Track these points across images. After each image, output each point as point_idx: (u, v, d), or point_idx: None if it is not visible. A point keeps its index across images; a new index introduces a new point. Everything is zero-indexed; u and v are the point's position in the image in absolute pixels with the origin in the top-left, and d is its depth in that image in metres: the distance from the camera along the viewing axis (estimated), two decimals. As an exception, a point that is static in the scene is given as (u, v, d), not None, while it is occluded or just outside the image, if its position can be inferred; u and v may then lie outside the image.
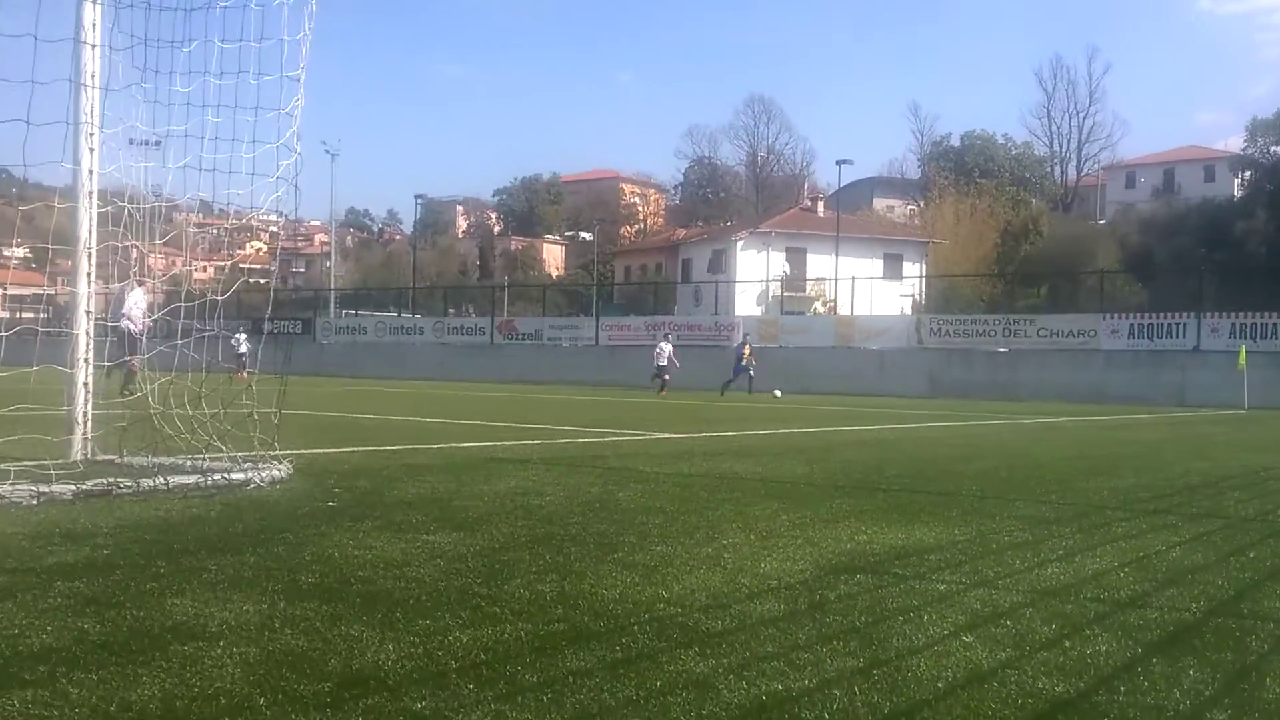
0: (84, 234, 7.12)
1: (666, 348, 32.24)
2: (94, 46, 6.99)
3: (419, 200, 74.41)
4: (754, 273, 61.85)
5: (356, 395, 25.36)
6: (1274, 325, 32.36)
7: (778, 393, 29.26)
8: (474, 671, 3.05)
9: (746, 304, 57.44)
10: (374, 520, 5.68)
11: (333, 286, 67.68)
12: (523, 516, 6.01)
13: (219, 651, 3.15)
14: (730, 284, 56.82)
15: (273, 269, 16.31)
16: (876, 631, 3.61)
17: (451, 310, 64.18)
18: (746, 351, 32.50)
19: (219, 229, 12.51)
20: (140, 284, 9.96)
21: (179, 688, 2.83)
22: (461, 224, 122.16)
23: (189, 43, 6.99)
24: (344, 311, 61.42)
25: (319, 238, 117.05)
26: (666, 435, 13.37)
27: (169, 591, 3.90)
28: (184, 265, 8.38)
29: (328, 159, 66.03)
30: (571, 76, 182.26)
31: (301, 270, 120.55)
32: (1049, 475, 9.23)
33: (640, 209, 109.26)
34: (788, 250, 66.02)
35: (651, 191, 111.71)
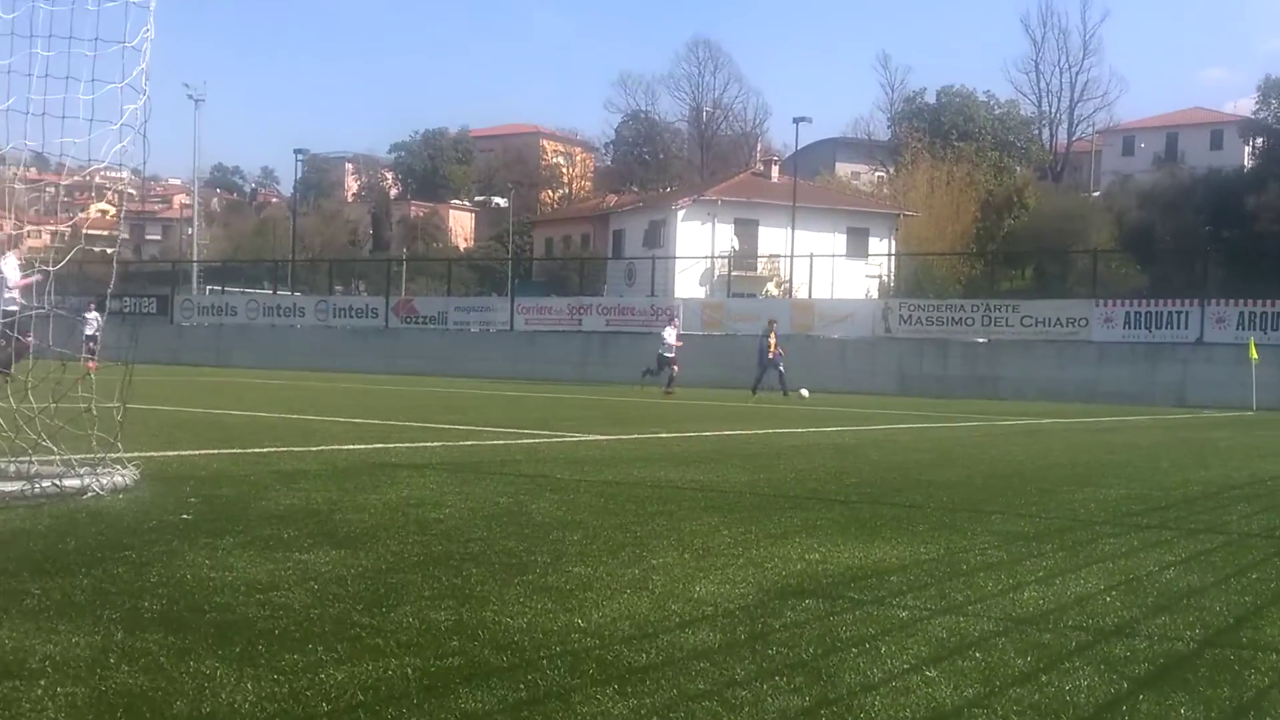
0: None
1: (671, 335, 30.94)
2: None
3: (300, 157, 73.50)
4: (697, 247, 62.03)
5: (222, 388, 25.02)
6: (1287, 315, 33.24)
7: (805, 392, 28.55)
8: (349, 715, 3.02)
9: (688, 284, 57.70)
10: (236, 536, 5.60)
11: (195, 258, 66.64)
12: (416, 531, 5.97)
13: (39, 693, 3.09)
14: (669, 260, 56.95)
15: (119, 235, 15.80)
16: (826, 665, 3.64)
17: (339, 288, 63.58)
18: (773, 341, 30.62)
19: (54, 186, 12.22)
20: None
21: (-12, 737, 2.76)
22: (351, 186, 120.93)
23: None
24: (209, 288, 60.45)
25: (179, 199, 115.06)
26: (592, 438, 13.37)
27: None
28: (14, 230, 8.18)
29: (190, 105, 64.77)
30: (482, 13, 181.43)
31: (157, 238, 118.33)
32: (1030, 485, 9.41)
33: (565, 171, 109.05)
34: (736, 222, 66.37)
35: (578, 150, 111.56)
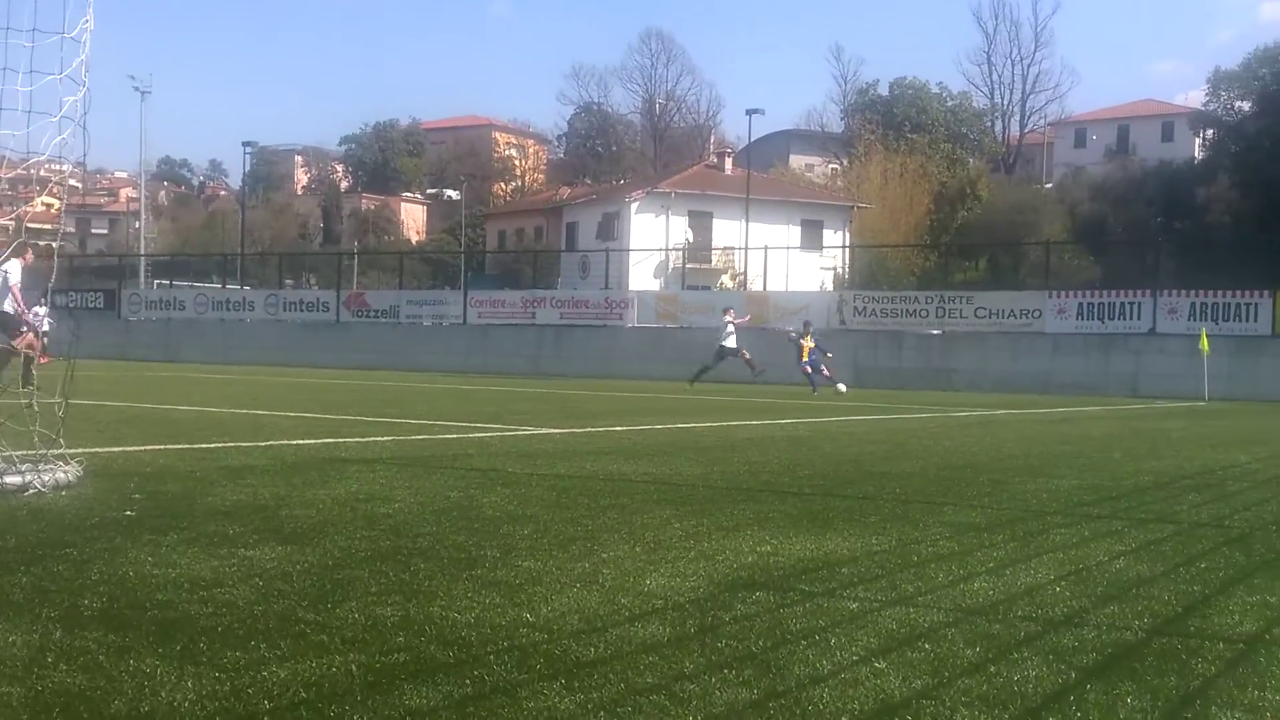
0: None
1: (731, 328, 29.68)
2: None
3: (248, 149, 72.71)
4: (651, 240, 62.10)
5: (169, 383, 24.75)
6: (1239, 305, 33.69)
7: (841, 387, 28.11)
8: (291, 713, 2.99)
9: (643, 277, 57.74)
10: (181, 533, 5.55)
11: (143, 252, 65.88)
12: (365, 527, 5.93)
13: (-27, 694, 3.03)
14: (624, 253, 56.96)
15: (62, 228, 15.50)
16: (775, 657, 3.64)
17: (289, 281, 63.08)
18: (807, 345, 29.14)
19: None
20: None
21: (-82, 740, 2.71)
22: (301, 178, 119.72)
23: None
24: (156, 282, 59.81)
25: (125, 193, 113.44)
26: (545, 431, 13.35)
27: None
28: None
29: (136, 97, 64.03)
30: (434, 4, 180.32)
31: (104, 232, 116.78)
32: (983, 476, 9.48)
33: (517, 163, 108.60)
34: (690, 214, 66.49)
35: (530, 143, 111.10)
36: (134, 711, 2.95)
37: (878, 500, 7.73)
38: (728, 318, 30.33)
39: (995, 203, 70.23)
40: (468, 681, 3.30)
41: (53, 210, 14.59)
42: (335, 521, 6.06)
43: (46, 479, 6.62)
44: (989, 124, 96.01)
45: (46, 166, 8.47)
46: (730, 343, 29.34)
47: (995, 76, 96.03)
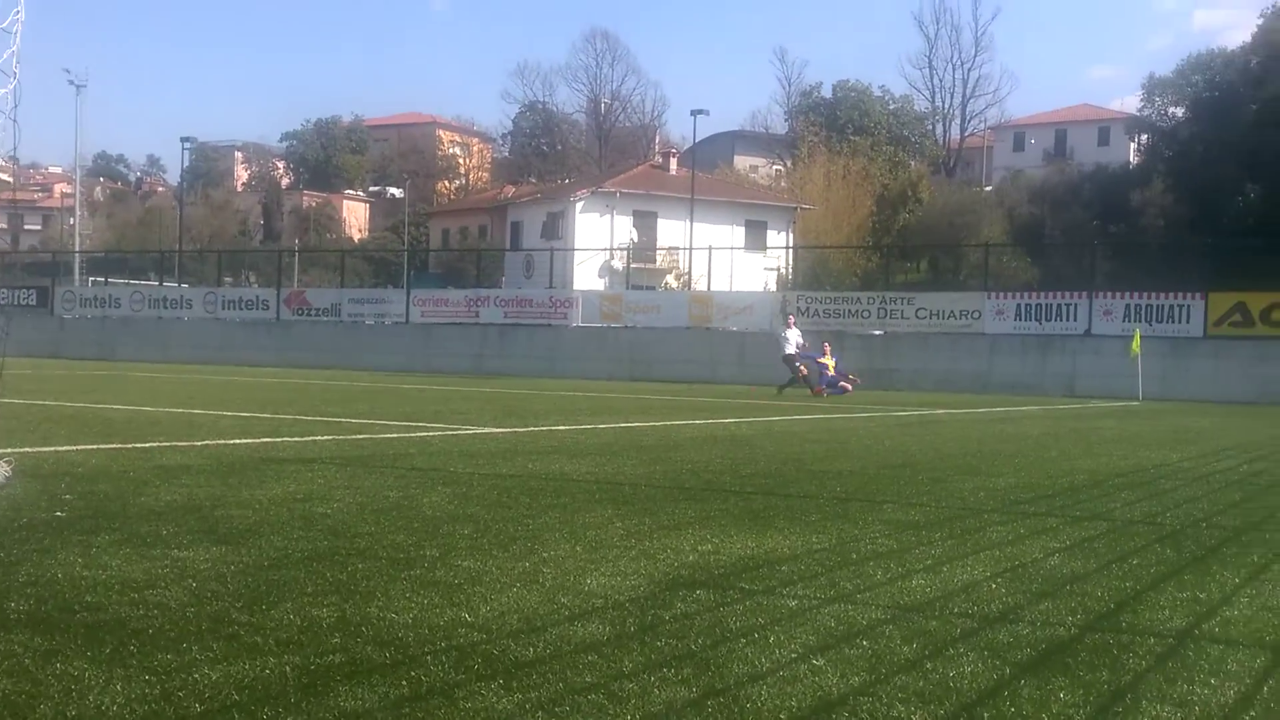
0: None
1: (794, 335, 28.76)
2: None
3: (187, 145, 71.74)
4: (596, 239, 62.10)
5: (104, 381, 24.37)
6: (1171, 307, 34.26)
7: (850, 383, 28.12)
8: (223, 715, 2.95)
9: (587, 276, 57.75)
10: (113, 533, 5.46)
11: (77, 248, 64.87)
12: (301, 527, 5.87)
13: (-108, 699, 2.96)
14: (568, 252, 56.98)
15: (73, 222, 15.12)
16: (715, 655, 3.65)
17: (228, 279, 62.32)
18: (831, 362, 28.58)
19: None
20: None
21: None
22: (241, 175, 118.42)
23: None
24: (91, 279, 58.91)
25: (60, 188, 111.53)
26: (487, 430, 13.29)
27: None
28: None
29: (71, 91, 63.07)
30: (375, 0, 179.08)
31: (37, 228, 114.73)
32: (922, 475, 9.56)
33: (461, 161, 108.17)
34: (635, 214, 66.54)
35: (474, 141, 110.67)
36: (60, 715, 2.90)
37: (818, 499, 7.77)
38: (790, 324, 29.58)
39: (936, 205, 70.91)
40: (404, 682, 3.27)
41: None
42: (272, 522, 5.99)
43: (-25, 479, 6.48)
44: (930, 127, 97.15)
45: None
46: (790, 349, 28.39)
47: (936, 80, 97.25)
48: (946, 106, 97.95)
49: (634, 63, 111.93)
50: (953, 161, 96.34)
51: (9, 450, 7.10)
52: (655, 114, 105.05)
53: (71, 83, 62.01)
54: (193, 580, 4.51)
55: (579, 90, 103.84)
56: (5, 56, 6.86)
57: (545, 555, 5.28)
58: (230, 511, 6.29)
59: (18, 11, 6.85)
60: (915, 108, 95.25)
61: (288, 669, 3.36)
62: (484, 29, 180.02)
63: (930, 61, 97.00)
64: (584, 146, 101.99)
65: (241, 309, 48.23)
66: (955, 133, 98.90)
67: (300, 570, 4.79)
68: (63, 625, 3.77)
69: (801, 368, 28.20)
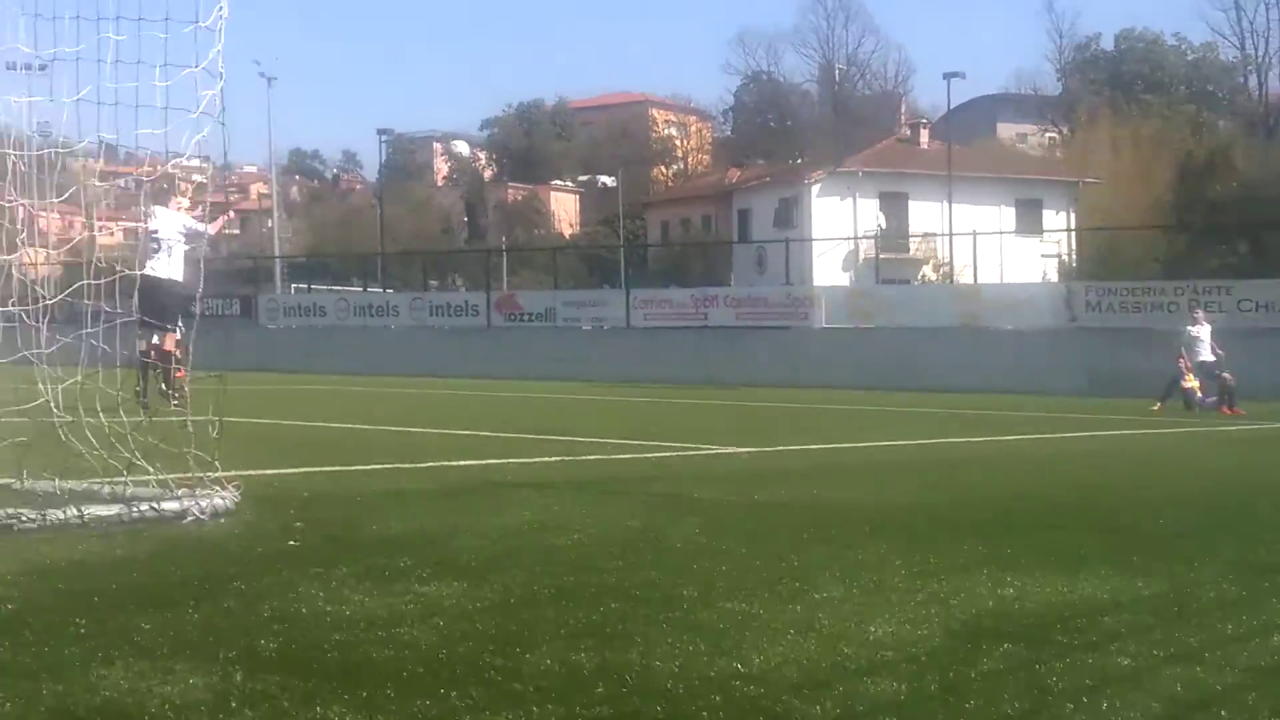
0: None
1: (1205, 332, 27.03)
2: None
3: (384, 138, 74.57)
4: (837, 227, 61.51)
5: (315, 397, 25.48)
6: None
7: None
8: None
9: (829, 270, 57.25)
10: (350, 565, 5.73)
11: (277, 253, 67.91)
12: (542, 560, 6.05)
13: (163, 741, 3.22)
14: (805, 243, 56.53)
15: (203, 230, 16.05)
16: (1035, 721, 3.61)
17: (434, 283, 64.37)
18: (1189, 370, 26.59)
19: (129, 179, 12.63)
20: None
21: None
22: (441, 168, 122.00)
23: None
24: (294, 286, 61.45)
25: (256, 189, 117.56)
26: (730, 450, 13.35)
27: (95, 659, 3.99)
28: (86, 228, 8.52)
29: (261, 85, 65.93)
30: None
31: (235, 232, 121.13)
32: (1264, 504, 9.17)
33: (679, 144, 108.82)
34: (881, 196, 65.76)
35: (692, 120, 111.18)
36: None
37: (1137, 534, 7.56)
38: (1199, 319, 27.74)
39: (1254, 173, 67.46)
40: (683, 740, 3.35)
41: (194, 213, 15.07)
42: (511, 554, 6.20)
43: (205, 505, 6.91)
44: (1241, 79, 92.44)
45: (176, 165, 8.89)
46: (1205, 354, 26.46)
47: (1246, 23, 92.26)
48: (1262, 54, 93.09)
49: (871, 22, 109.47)
50: (1274, 120, 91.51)
51: (234, 473, 7.54)
52: (900, 80, 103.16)
53: (262, 75, 64.73)
54: (439, 618, 4.71)
55: (808, 57, 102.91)
56: (211, 56, 7.25)
57: (818, 597, 5.30)
58: (466, 542, 6.53)
59: (220, 8, 7.22)
60: (1221, 57, 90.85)
61: (554, 720, 3.49)
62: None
63: (1237, 1, 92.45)
64: (817, 120, 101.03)
65: (450, 315, 49.67)
66: (1275, 84, 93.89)
67: (550, 609, 4.93)
68: (315, 665, 4.00)
69: (1225, 375, 25.72)
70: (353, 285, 59.54)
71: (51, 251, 9.19)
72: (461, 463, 11.09)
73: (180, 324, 14.24)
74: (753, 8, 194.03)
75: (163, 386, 12.33)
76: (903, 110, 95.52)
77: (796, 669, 4.14)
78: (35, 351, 7.53)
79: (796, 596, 5.32)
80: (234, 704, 3.56)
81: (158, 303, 12.42)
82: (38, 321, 7.58)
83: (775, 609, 5.05)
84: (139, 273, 8.64)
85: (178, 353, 13.78)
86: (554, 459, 11.66)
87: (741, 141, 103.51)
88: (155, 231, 14.40)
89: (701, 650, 4.33)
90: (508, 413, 20.69)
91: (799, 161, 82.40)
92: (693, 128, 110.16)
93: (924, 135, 72.41)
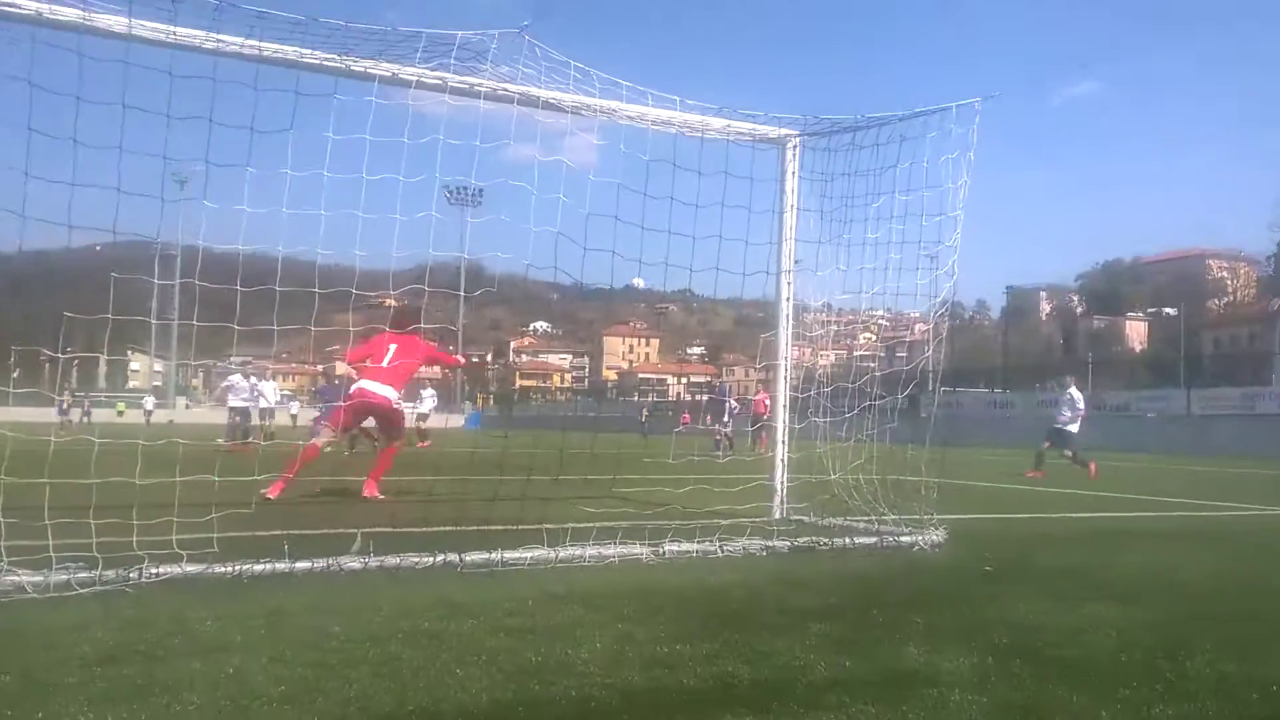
0: (783, 348, 8.02)
1: None
2: (793, 209, 7.87)
3: (1006, 290, 71.73)
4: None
5: (969, 464, 24.64)
6: None
7: None
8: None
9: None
10: (1030, 585, 5.47)
11: (931, 368, 67.04)
12: (1173, 591, 5.45)
13: (957, 698, 3.26)
14: (1341, 350, 46.50)
15: (879, 354, 16.30)
16: None
17: (1037, 385, 60.35)
18: None
19: (836, 324, 13.22)
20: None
21: (938, 726, 2.99)
22: (1045, 308, 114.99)
23: (874, 198, 7.48)
24: (943, 388, 60.47)
25: (918, 326, 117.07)
26: (1296, 511, 11.19)
27: (894, 639, 4.06)
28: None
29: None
30: (1145, 164, 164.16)
31: (903, 355, 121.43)
32: None
33: (1228, 283, 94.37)
34: None
35: (1240, 265, 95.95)
36: (1070, 727, 2.98)
37: None
38: None
39: None
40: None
41: (872, 342, 15.39)
42: (1145, 585, 5.62)
43: (925, 539, 6.93)
44: None
45: (866, 313, 9.15)
46: None
47: None
48: None
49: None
50: None
51: (942, 517, 7.44)
52: None
53: (926, 255, 64.82)
54: (1111, 630, 4.37)
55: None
56: (949, 263, 7.37)
57: None
58: (1109, 575, 5.98)
59: (956, 233, 7.32)
60: None
61: (1226, 713, 3.15)
62: (1248, 172, 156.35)
63: None
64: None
65: (1050, 406, 46.15)
66: None
67: (1191, 629, 4.42)
68: (1035, 657, 3.83)
69: None
70: (979, 388, 57.27)
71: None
72: (1081, 514, 10.21)
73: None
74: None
75: None
76: None
77: None
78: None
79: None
80: (993, 679, 3.51)
81: None
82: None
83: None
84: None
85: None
86: (1150, 514, 10.44)
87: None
88: None
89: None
90: (1102, 478, 18.72)
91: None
92: (1241, 270, 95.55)
93: None
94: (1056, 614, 4.71)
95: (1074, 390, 18.82)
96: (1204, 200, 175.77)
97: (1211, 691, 3.40)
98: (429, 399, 29.46)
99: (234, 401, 22.25)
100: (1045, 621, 4.53)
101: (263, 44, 5.59)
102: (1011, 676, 3.54)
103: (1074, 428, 18.08)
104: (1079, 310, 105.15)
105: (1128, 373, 55.24)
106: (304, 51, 5.71)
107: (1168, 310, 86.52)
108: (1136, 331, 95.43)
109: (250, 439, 19.99)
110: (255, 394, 22.89)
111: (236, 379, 22.72)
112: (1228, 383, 49.00)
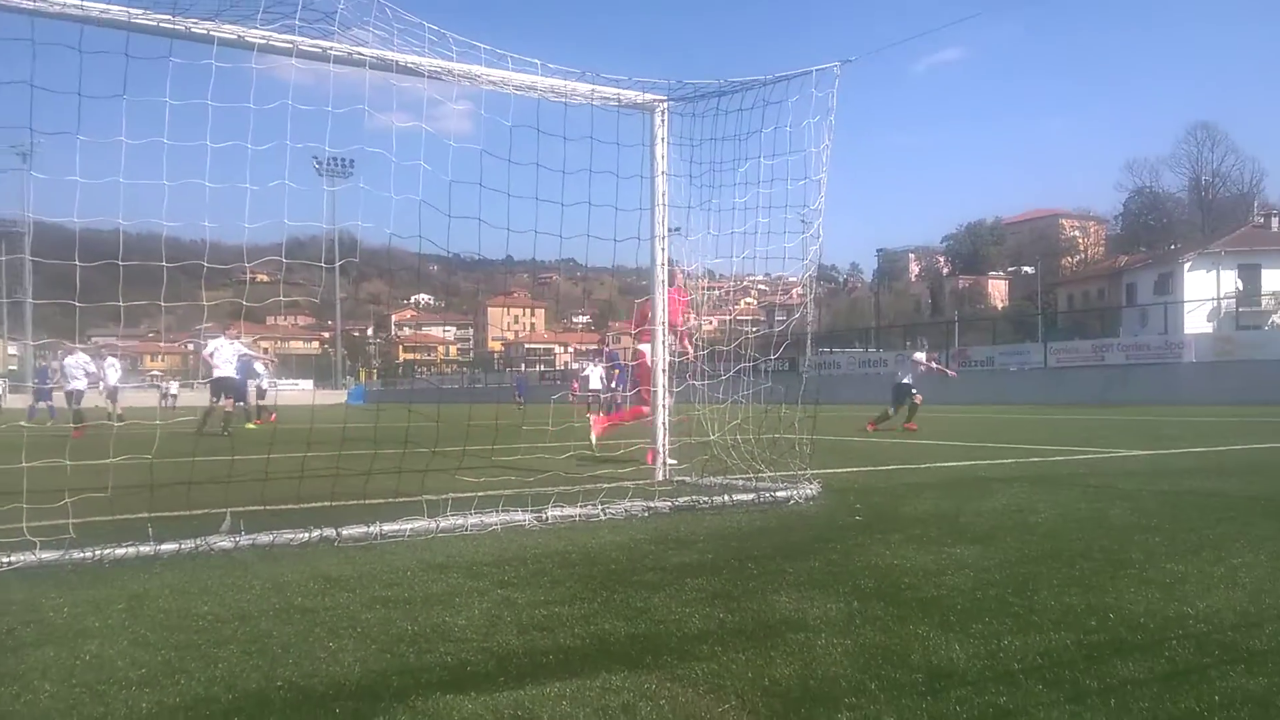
0: (659, 313, 8.05)
1: None
2: (663, 174, 7.87)
3: (878, 253, 74.12)
4: (1202, 293, 53.97)
5: (842, 420, 25.50)
6: None
7: None
8: (1037, 674, 3.02)
9: (1195, 322, 50.30)
10: (898, 533, 5.70)
11: (809, 330, 68.81)
12: (1024, 532, 5.75)
13: (823, 641, 3.38)
14: (1178, 304, 50.06)
15: (798, 315, 16.57)
16: None
17: (908, 343, 62.90)
18: None
19: (719, 290, 13.37)
20: None
21: (805, 669, 3.09)
22: (914, 269, 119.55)
23: (741, 162, 7.54)
24: (820, 349, 62.32)
25: (795, 291, 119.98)
26: (1131, 453, 12.00)
27: (767, 590, 4.19)
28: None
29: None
30: (1006, 130, 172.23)
31: (783, 319, 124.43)
32: None
33: (1080, 241, 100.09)
34: (1240, 268, 56.99)
35: (1091, 224, 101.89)
36: (927, 663, 3.14)
37: None
38: None
39: None
40: (1162, 660, 3.13)
41: (751, 308, 15.68)
42: (1002, 527, 5.93)
43: (801, 493, 7.13)
44: None
45: (750, 279, 9.27)
46: None
47: None
48: None
49: (1232, 145, 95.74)
50: None
51: (817, 471, 7.71)
52: (1253, 183, 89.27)
53: (801, 220, 66.31)
54: (968, 570, 4.60)
55: (1181, 174, 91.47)
56: (815, 226, 7.50)
57: (1235, 562, 4.72)
58: (969, 520, 6.29)
59: (820, 197, 7.47)
60: None
61: (1067, 643, 3.35)
62: (1097, 137, 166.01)
63: None
64: (1187, 218, 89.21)
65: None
66: None
67: (1040, 567, 4.69)
68: (898, 599, 4.01)
69: None
70: (855, 348, 59.23)
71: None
72: (947, 464, 10.73)
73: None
74: (1138, 142, 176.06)
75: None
76: (1255, 205, 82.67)
77: (1232, 613, 3.73)
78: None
79: (1217, 561, 4.75)
80: (858, 622, 3.64)
81: None
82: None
83: (1203, 569, 4.55)
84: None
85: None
86: (1008, 461, 11.02)
87: (1127, 236, 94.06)
88: None
89: (1157, 598, 4.00)
90: (966, 429, 19.71)
91: (1173, 248, 73.42)
92: (1091, 229, 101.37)
93: (1275, 222, 62.52)
94: (919, 557, 4.93)
95: (918, 354, 20.17)
96: (1058, 163, 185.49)
97: (1055, 622, 3.61)
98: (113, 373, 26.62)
99: (71, 385, 21.43)
100: (908, 565, 4.74)
101: (86, 2, 5.20)
102: (875, 619, 3.69)
103: (909, 380, 19.44)
104: (945, 271, 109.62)
105: (991, 329, 57.96)
106: (134, 11, 5.33)
107: (1026, 269, 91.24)
108: (999, 290, 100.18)
109: (85, 422, 19.27)
110: (93, 376, 22.26)
111: (69, 361, 21.90)
112: (1080, 336, 52.15)
